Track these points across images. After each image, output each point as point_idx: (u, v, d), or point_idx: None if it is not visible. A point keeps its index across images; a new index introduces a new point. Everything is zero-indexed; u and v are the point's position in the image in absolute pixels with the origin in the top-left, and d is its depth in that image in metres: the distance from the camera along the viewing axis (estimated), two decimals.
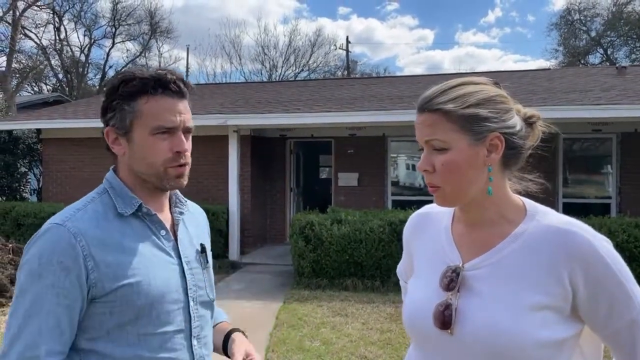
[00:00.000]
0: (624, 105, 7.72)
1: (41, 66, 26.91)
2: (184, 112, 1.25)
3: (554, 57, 31.10)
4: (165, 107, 1.22)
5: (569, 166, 9.72)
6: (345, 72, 32.60)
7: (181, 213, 1.36)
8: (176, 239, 1.31)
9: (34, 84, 29.26)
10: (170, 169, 1.24)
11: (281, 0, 51.85)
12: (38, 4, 24.90)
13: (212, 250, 1.47)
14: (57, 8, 27.20)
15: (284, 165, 10.94)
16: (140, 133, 1.23)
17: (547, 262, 1.05)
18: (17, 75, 24.63)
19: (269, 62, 31.99)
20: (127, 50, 31.97)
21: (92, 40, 29.27)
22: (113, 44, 29.32)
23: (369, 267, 7.15)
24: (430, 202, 1.26)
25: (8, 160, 11.21)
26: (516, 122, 1.11)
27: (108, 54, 29.64)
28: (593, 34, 29.26)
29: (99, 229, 1.18)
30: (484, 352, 1.03)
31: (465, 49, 57.17)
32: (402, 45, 55.80)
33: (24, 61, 25.67)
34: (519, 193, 1.17)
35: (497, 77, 1.18)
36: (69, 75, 28.29)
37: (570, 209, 7.84)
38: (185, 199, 1.40)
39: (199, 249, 1.36)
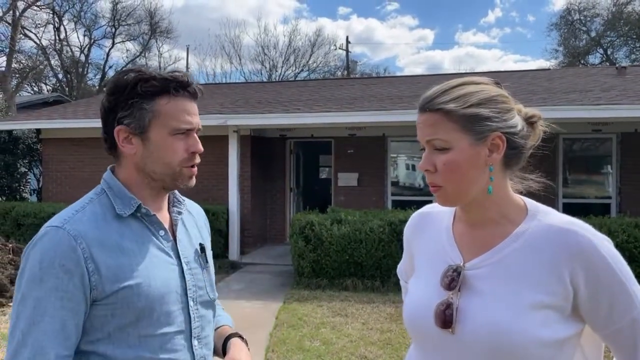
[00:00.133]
0: (624, 106, 7.72)
1: (41, 66, 26.92)
2: (197, 114, 1.28)
3: (554, 57, 31.15)
4: (183, 108, 1.24)
5: (569, 166, 9.72)
6: (345, 72, 32.59)
7: (179, 213, 1.35)
8: (175, 239, 1.30)
9: (33, 84, 29.28)
10: (185, 169, 1.26)
11: (281, 1, 51.91)
12: (38, 4, 24.91)
13: (212, 250, 1.47)
14: (57, 8, 27.23)
15: (284, 165, 10.94)
16: (158, 133, 1.22)
17: (548, 261, 1.05)
18: (17, 75, 24.63)
19: (269, 62, 32.03)
20: (127, 50, 31.97)
21: (92, 41, 29.30)
22: (113, 44, 29.36)
23: (369, 267, 7.15)
24: (430, 202, 1.26)
25: (8, 160, 11.21)
26: (517, 121, 1.11)
27: (108, 54, 29.70)
28: (593, 34, 29.28)
29: (99, 230, 1.18)
30: (485, 351, 1.03)
31: (465, 49, 57.23)
32: (402, 46, 55.85)
33: (23, 61, 25.71)
34: (520, 193, 1.17)
35: (497, 77, 1.18)
36: (68, 76, 28.29)
37: (570, 209, 7.84)
38: (184, 198, 1.40)
39: (198, 248, 1.36)
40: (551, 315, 1.03)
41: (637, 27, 27.21)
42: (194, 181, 1.30)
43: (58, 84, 28.82)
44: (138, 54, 29.94)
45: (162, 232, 1.27)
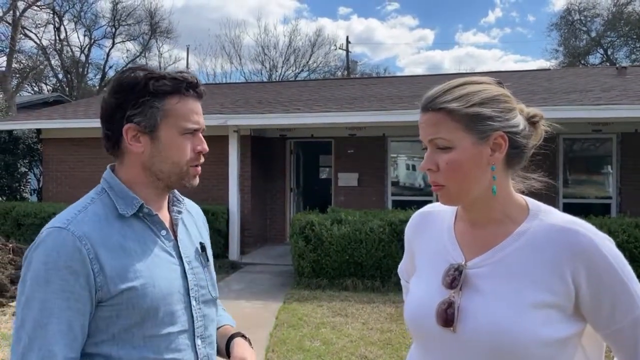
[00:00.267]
0: (624, 106, 7.72)
1: (41, 66, 26.93)
2: (202, 114, 1.29)
3: (554, 58, 31.15)
4: (192, 108, 1.25)
5: (569, 166, 9.72)
6: (346, 72, 32.59)
7: (179, 212, 1.35)
8: (176, 239, 1.30)
9: (34, 84, 29.29)
10: (191, 168, 1.27)
11: (281, 1, 51.91)
12: (38, 4, 24.92)
13: (212, 250, 1.47)
14: (57, 8, 27.23)
15: (284, 165, 10.94)
16: (168, 132, 1.22)
17: (550, 260, 1.05)
18: (17, 75, 24.64)
19: (269, 62, 32.03)
20: (127, 50, 32.00)
21: (92, 41, 29.31)
22: (113, 44, 29.36)
23: (369, 267, 7.15)
24: (430, 202, 1.26)
25: (8, 160, 11.21)
26: (519, 121, 1.11)
27: (108, 54, 29.70)
28: (593, 34, 29.28)
29: (102, 231, 1.17)
30: (487, 349, 1.03)
31: (466, 49, 57.23)
32: (402, 46, 55.85)
33: (24, 61, 25.72)
34: (522, 192, 1.18)
35: (497, 77, 1.19)
36: (69, 76, 28.30)
37: (570, 209, 7.82)
38: (183, 197, 1.40)
39: (199, 247, 1.36)
40: (553, 314, 1.03)
41: (637, 27, 27.21)
42: (197, 180, 1.30)
43: (58, 84, 28.84)
44: (138, 54, 29.96)
45: (163, 232, 1.27)
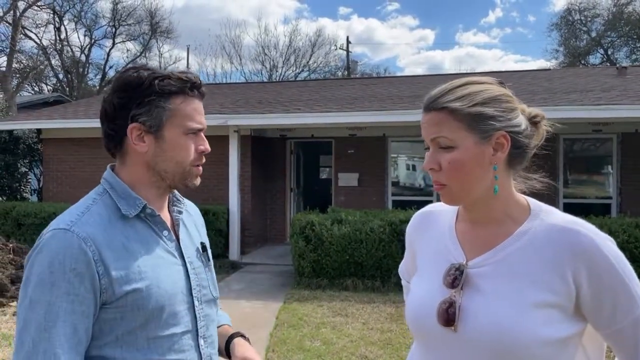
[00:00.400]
0: (625, 106, 7.71)
1: (41, 66, 26.94)
2: (204, 114, 1.30)
3: (554, 58, 31.13)
4: (195, 108, 1.26)
5: (569, 166, 9.72)
6: (346, 73, 32.59)
7: (180, 212, 1.34)
8: (178, 239, 1.30)
9: (34, 84, 29.30)
10: (194, 168, 1.27)
11: (282, 1, 51.92)
12: (38, 4, 24.93)
13: (212, 250, 1.46)
14: (57, 8, 27.24)
15: (284, 166, 10.94)
16: (173, 132, 1.22)
17: (551, 260, 1.05)
18: (18, 75, 24.65)
19: (269, 63, 32.02)
20: (128, 50, 32.01)
21: (93, 41, 29.32)
22: (113, 44, 29.37)
23: (369, 267, 7.15)
24: (431, 202, 1.26)
25: (8, 160, 11.21)
26: (521, 121, 1.12)
27: (108, 54, 29.71)
28: (593, 34, 29.28)
29: (106, 232, 1.15)
30: (488, 349, 1.04)
31: (466, 49, 57.23)
32: (402, 46, 55.84)
33: (24, 61, 25.72)
34: (523, 192, 1.18)
35: (498, 77, 1.19)
36: (69, 76, 28.31)
37: (570, 209, 7.81)
38: (182, 197, 1.39)
39: (200, 247, 1.36)
40: (554, 314, 1.03)
41: (637, 27, 27.20)
42: (199, 180, 1.30)
43: (58, 84, 28.84)
44: (138, 54, 29.97)
45: (165, 233, 1.27)
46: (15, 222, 9.25)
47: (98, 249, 1.12)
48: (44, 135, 10.88)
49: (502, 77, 1.19)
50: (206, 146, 1.28)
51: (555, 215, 1.11)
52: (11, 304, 6.08)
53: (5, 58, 23.59)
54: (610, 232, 6.36)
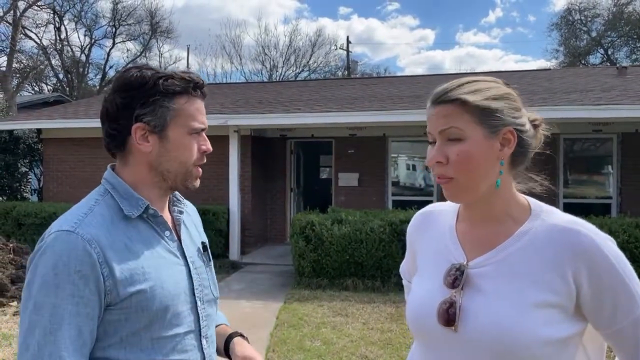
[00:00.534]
0: (625, 106, 7.71)
1: (42, 66, 26.94)
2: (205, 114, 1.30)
3: (554, 58, 31.12)
4: (198, 108, 1.26)
5: (569, 166, 9.72)
6: (346, 72, 32.58)
7: (181, 212, 1.34)
8: (179, 239, 1.30)
9: (34, 84, 29.31)
10: (195, 168, 1.27)
11: (282, 1, 51.92)
12: (38, 3, 24.93)
13: (212, 250, 1.47)
14: (57, 8, 27.24)
15: (285, 165, 10.94)
16: (177, 132, 1.22)
17: (551, 260, 1.05)
18: (18, 75, 24.65)
19: (270, 62, 32.02)
20: (128, 50, 32.03)
21: (93, 40, 29.33)
22: (113, 44, 29.38)
23: (369, 267, 7.15)
24: (431, 202, 1.26)
25: (9, 160, 11.22)
26: (525, 121, 1.13)
27: (108, 54, 29.71)
28: (593, 34, 29.27)
29: (109, 233, 1.15)
30: (488, 349, 1.04)
31: (466, 49, 57.24)
32: (402, 46, 55.84)
33: (24, 61, 25.72)
34: (524, 193, 1.18)
35: (498, 77, 1.20)
36: (69, 75, 28.31)
37: (570, 209, 7.79)
38: (182, 197, 1.39)
39: (200, 247, 1.36)
40: (554, 314, 1.03)
41: (637, 27, 27.20)
42: (198, 182, 1.30)
43: (59, 84, 28.85)
44: (139, 54, 29.97)
45: (167, 233, 1.26)
46: (16, 222, 9.26)
47: (102, 250, 1.11)
48: (44, 135, 10.88)
49: (503, 77, 1.20)
50: (208, 146, 1.28)
51: (556, 216, 1.11)
52: (11, 303, 6.08)
53: (5, 58, 23.62)
54: (611, 232, 6.36)
